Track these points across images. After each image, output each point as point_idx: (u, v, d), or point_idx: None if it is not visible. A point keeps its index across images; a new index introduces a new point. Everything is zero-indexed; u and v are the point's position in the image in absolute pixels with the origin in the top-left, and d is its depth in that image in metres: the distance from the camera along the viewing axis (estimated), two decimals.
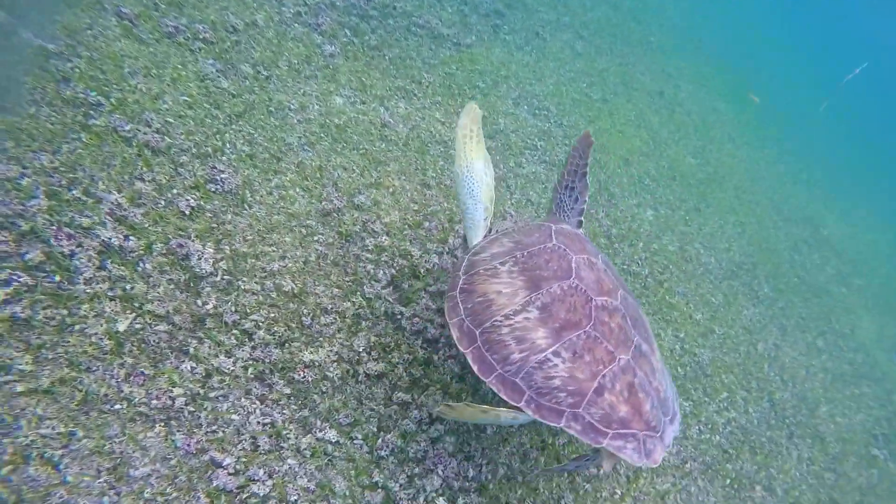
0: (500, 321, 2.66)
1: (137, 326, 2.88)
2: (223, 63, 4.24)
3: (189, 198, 3.40)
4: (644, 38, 9.75)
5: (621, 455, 2.48)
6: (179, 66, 3.99)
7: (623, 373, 2.61)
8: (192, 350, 2.92)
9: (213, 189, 3.55)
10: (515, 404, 2.51)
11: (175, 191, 3.40)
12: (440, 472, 3.17)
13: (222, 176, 3.62)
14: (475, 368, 2.62)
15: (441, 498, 3.08)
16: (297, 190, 3.91)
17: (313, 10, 5.16)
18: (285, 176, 3.93)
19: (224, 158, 3.75)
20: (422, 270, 3.95)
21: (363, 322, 3.53)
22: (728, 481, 4.48)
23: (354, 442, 3.09)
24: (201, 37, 4.23)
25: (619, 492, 3.80)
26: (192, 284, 3.14)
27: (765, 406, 5.42)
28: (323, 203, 3.93)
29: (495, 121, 5.72)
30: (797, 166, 10.58)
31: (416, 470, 3.13)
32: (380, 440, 3.14)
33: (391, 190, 4.35)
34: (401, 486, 3.03)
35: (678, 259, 6.13)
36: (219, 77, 4.13)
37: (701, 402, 4.84)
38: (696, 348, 5.27)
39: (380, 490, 2.97)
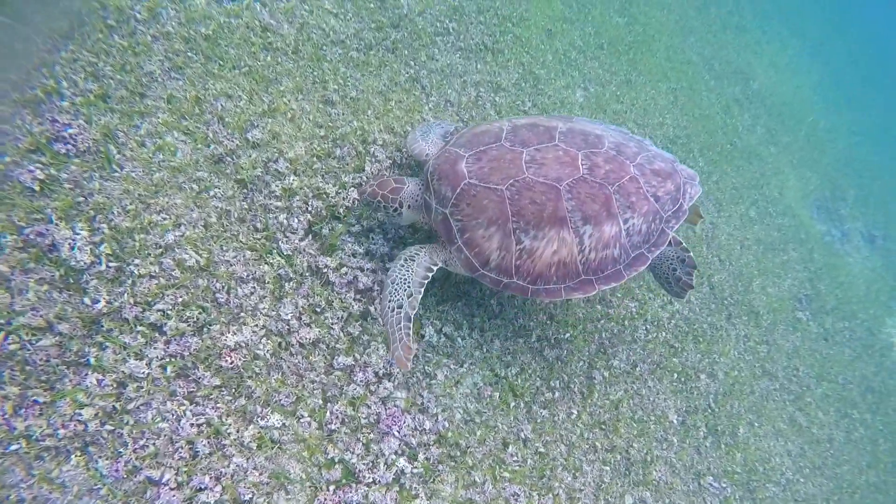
0: (583, 257, 3.51)
1: (12, 347, 2.78)
2: None
3: (32, 168, 3.11)
4: None
5: (695, 198, 3.80)
6: None
7: (642, 174, 3.67)
8: (92, 360, 2.89)
9: (63, 150, 3.26)
10: (645, 265, 3.65)
11: (7, 159, 3.09)
12: (396, 433, 3.50)
13: (70, 130, 3.31)
14: (613, 286, 3.65)
15: (401, 458, 3.44)
16: (176, 134, 3.68)
17: None
18: (155, 118, 3.65)
19: (65, 105, 3.39)
20: (341, 210, 3.98)
21: (286, 284, 3.60)
22: (675, 375, 5.27)
23: (301, 421, 3.30)
24: None
25: (575, 411, 4.39)
26: (71, 281, 3.00)
27: (705, 291, 6.24)
28: (211, 147, 3.74)
29: (397, 2, 5.44)
30: (727, 7, 11.06)
31: (371, 436, 3.42)
32: (328, 413, 3.37)
33: (289, 115, 4.18)
34: (358, 456, 3.33)
35: None
36: None
37: (646, 300, 5.49)
38: None
39: (337, 465, 3.26)
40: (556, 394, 4.38)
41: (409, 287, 3.46)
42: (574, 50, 6.90)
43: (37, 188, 3.08)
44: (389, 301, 3.41)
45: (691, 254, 3.99)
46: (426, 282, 3.53)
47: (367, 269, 3.87)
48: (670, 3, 9.42)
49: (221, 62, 4.09)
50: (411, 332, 3.33)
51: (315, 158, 4.09)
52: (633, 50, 7.83)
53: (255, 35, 4.36)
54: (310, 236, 3.83)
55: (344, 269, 3.79)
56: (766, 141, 9.34)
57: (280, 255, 3.63)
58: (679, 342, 5.57)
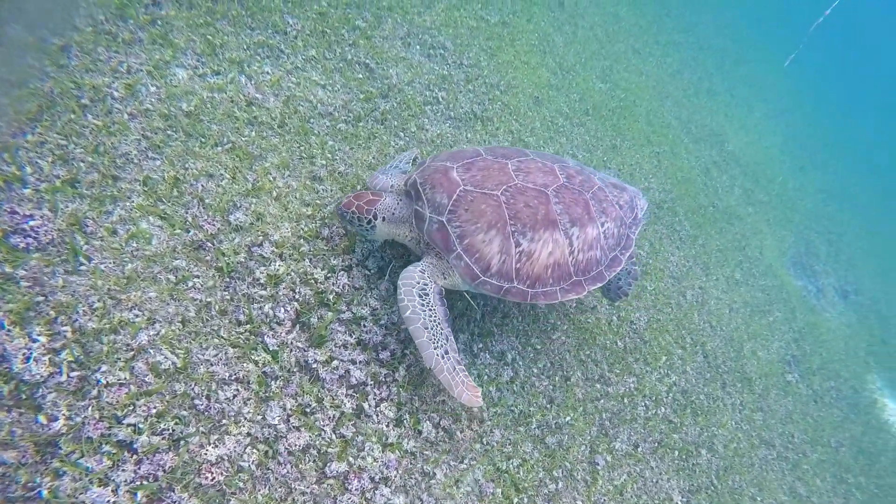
0: (573, 259, 3.63)
1: None
2: None
3: None
4: None
5: (645, 210, 4.25)
6: None
7: (605, 186, 4.04)
8: (45, 493, 2.42)
9: (22, 245, 2.85)
10: (619, 267, 3.90)
11: None
12: None
13: (32, 222, 2.91)
14: (598, 286, 3.81)
15: None
16: (151, 220, 3.30)
17: None
18: (129, 202, 3.27)
19: (27, 193, 2.99)
20: (331, 296, 3.62)
21: (273, 384, 3.19)
22: (676, 453, 4.93)
23: None
24: None
25: (579, 502, 4.00)
26: (23, 397, 2.56)
27: (699, 360, 5.97)
28: (191, 232, 3.37)
29: (385, 72, 5.21)
30: (698, 73, 11.24)
31: None
32: None
33: (275, 194, 3.84)
34: None
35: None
36: None
37: (643, 374, 5.18)
38: (631, 314, 5.56)
39: None
40: (560, 484, 4.01)
41: (441, 328, 3.33)
42: (561, 116, 6.77)
43: None
44: (434, 348, 3.27)
45: (638, 268, 4.37)
46: (448, 316, 3.42)
47: (360, 361, 3.49)
48: (647, 70, 9.48)
49: (203, 139, 3.76)
50: (466, 372, 3.34)
51: (302, 240, 3.75)
52: (616, 115, 7.76)
53: (239, 109, 4.05)
54: (297, 327, 3.44)
55: (335, 363, 3.41)
56: (743, 201, 9.31)
57: (266, 351, 3.24)
58: (678, 417, 5.26)
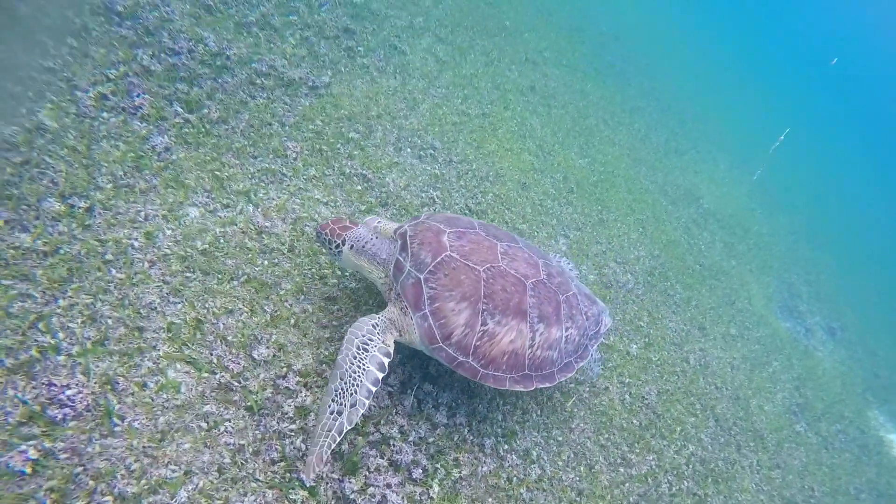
0: (531, 353, 3.63)
1: None
2: (12, 208, 3.34)
3: (24, 447, 2.65)
4: (500, 23, 9.90)
5: (607, 329, 4.42)
6: None
7: (579, 294, 4.16)
8: None
9: (59, 416, 2.82)
10: (572, 374, 3.96)
11: None
12: None
13: (68, 392, 2.89)
14: (546, 385, 3.76)
15: None
16: (178, 367, 3.29)
17: (122, 88, 4.30)
18: (156, 352, 3.27)
19: (62, 360, 2.98)
20: (358, 419, 3.58)
21: None
22: None
23: None
24: None
25: None
26: None
27: (711, 425, 5.97)
28: (217, 374, 3.36)
29: (382, 180, 5.36)
30: (664, 135, 11.70)
31: None
32: None
33: (293, 321, 3.87)
34: None
35: (601, 288, 6.42)
36: (13, 232, 3.26)
37: (662, 450, 5.16)
38: (641, 388, 5.59)
39: None
40: None
41: (354, 388, 3.19)
42: (548, 198, 6.97)
43: (28, 470, 2.60)
44: (332, 401, 3.15)
45: (602, 357, 4.55)
46: (378, 382, 3.27)
47: (394, 483, 3.44)
48: (618, 139, 9.86)
49: (220, 275, 3.80)
50: (333, 446, 3.09)
51: (324, 365, 3.75)
52: (598, 188, 8.01)
53: (250, 240, 4.12)
54: (330, 457, 3.40)
55: (371, 490, 3.35)
56: (726, 255, 9.54)
57: (303, 488, 3.18)
58: (701, 488, 5.21)
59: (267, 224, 4.29)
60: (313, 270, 4.26)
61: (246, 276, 3.90)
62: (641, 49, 15.15)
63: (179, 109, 4.47)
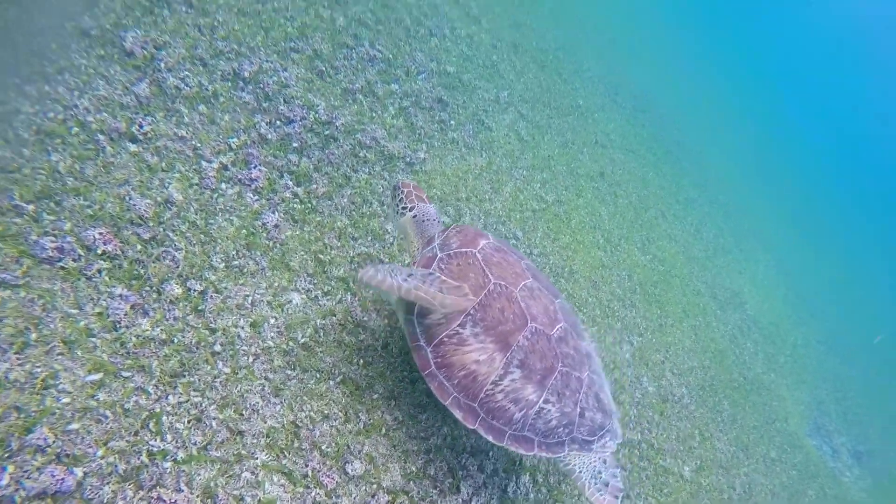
0: (492, 389, 3.20)
1: None
2: (138, 289, 3.22)
3: None
4: (573, 101, 9.90)
5: (604, 450, 3.51)
6: (71, 319, 2.93)
7: (591, 388, 3.48)
8: None
9: None
10: (529, 453, 3.30)
11: None
12: None
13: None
14: (490, 438, 3.23)
15: None
16: (275, 479, 3.12)
17: (241, 158, 4.22)
18: (255, 461, 3.10)
19: (168, 466, 2.82)
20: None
21: None
22: None
23: None
24: (100, 250, 3.16)
25: None
26: None
27: None
28: (312, 492, 3.18)
29: None
30: (713, 230, 11.61)
31: None
32: None
33: (384, 430, 3.70)
34: None
35: (658, 402, 6.24)
36: (136, 318, 3.13)
37: None
38: None
39: None
40: None
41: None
42: (615, 299, 6.84)
43: None
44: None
45: (619, 480, 3.59)
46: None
47: None
48: (675, 234, 9.77)
49: (318, 374, 3.65)
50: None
51: (411, 481, 3.58)
52: (658, 289, 7.88)
53: (347, 334, 3.98)
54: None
55: None
56: (767, 368, 9.35)
57: None
58: None
59: (364, 318, 4.15)
60: (405, 374, 4.10)
61: (342, 377, 3.75)
62: (694, 134, 15.18)
63: (290, 183, 4.39)
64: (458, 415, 3.23)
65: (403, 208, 3.75)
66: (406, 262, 4.43)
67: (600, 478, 3.56)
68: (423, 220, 3.76)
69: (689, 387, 6.94)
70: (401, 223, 3.81)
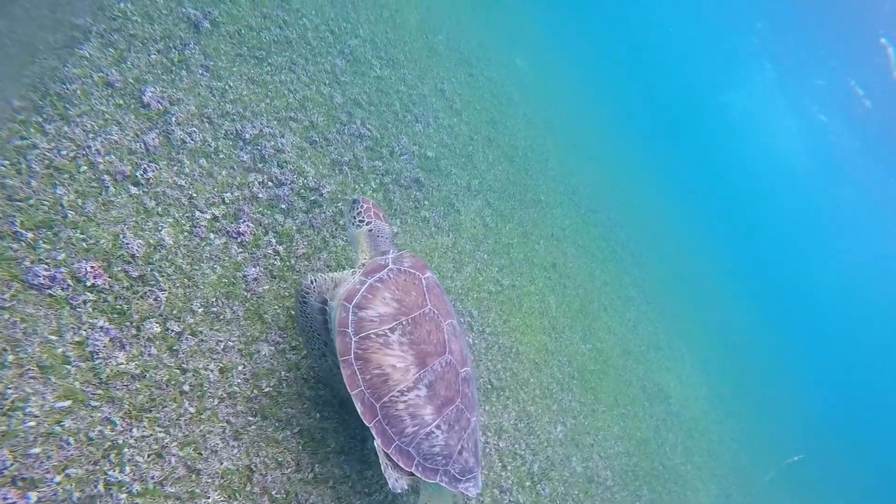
0: (397, 397, 3.28)
1: None
2: (119, 324, 3.27)
3: None
4: (535, 196, 10.49)
5: (467, 492, 3.51)
6: (50, 345, 2.95)
7: (473, 433, 3.61)
8: None
9: None
10: (407, 469, 3.30)
11: None
12: None
13: None
14: (378, 440, 3.27)
15: None
16: None
17: (233, 212, 4.38)
18: (206, 500, 3.10)
19: (123, 498, 2.79)
20: None
21: None
22: None
23: None
24: (90, 283, 3.23)
25: None
26: None
27: None
28: None
29: None
30: (649, 327, 12.15)
31: None
32: None
33: (331, 482, 3.74)
34: None
35: (584, 482, 6.38)
36: (114, 351, 3.16)
37: None
38: None
39: None
40: None
41: (318, 335, 3.70)
42: (554, 382, 7.07)
43: None
44: (311, 349, 3.80)
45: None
46: (325, 323, 3.62)
47: None
48: (614, 327, 10.21)
49: (277, 423, 3.69)
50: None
51: None
52: (595, 378, 8.18)
53: (308, 388, 4.05)
54: None
55: None
56: (685, 460, 9.63)
57: None
58: None
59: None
60: (356, 431, 4.16)
61: (299, 428, 3.80)
62: (639, 237, 16.07)
63: (273, 241, 4.54)
64: (359, 408, 3.28)
65: (360, 221, 3.85)
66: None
67: None
68: (378, 236, 3.88)
69: (613, 470, 7.10)
70: (355, 234, 3.90)
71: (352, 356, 3.30)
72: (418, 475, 3.33)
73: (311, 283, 3.59)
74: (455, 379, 3.49)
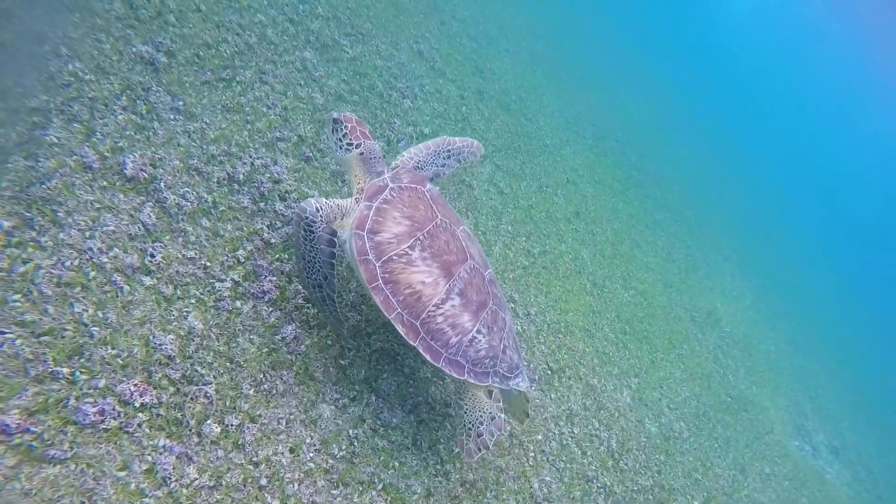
0: (433, 311, 3.46)
1: None
2: (179, 436, 3.20)
3: None
4: (541, 142, 10.19)
5: (518, 388, 3.83)
6: (122, 483, 2.90)
7: (511, 331, 3.87)
8: None
9: None
10: (459, 377, 3.58)
11: None
12: None
13: None
14: (428, 357, 3.49)
15: None
16: None
17: (251, 271, 4.23)
18: None
19: None
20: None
21: None
22: None
23: None
24: (138, 403, 3.14)
25: None
26: None
27: None
28: None
29: None
30: (682, 250, 12.09)
31: None
32: None
33: None
34: None
35: (662, 442, 6.49)
36: (183, 468, 3.11)
37: None
38: None
39: None
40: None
41: (320, 267, 3.68)
42: (609, 345, 7.08)
43: None
44: (307, 276, 3.74)
45: (503, 416, 3.96)
46: (334, 255, 3.68)
47: None
48: (650, 262, 10.15)
49: (360, 485, 3.70)
50: (337, 309, 3.87)
51: None
52: (644, 324, 8.19)
53: (380, 438, 4.04)
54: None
55: None
56: (749, 382, 9.80)
57: None
58: None
59: (391, 417, 4.21)
60: (437, 467, 4.18)
61: (382, 484, 3.81)
62: (651, 154, 15.77)
63: (300, 287, 4.41)
64: (401, 330, 3.44)
65: (349, 144, 3.78)
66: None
67: (480, 428, 3.84)
68: (370, 158, 3.83)
69: (685, 420, 7.23)
70: (345, 159, 3.85)
71: (380, 281, 3.42)
72: (471, 381, 3.62)
73: (317, 210, 3.54)
74: (482, 282, 3.70)
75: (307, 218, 3.53)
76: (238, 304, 4.01)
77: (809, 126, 52.86)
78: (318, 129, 5.94)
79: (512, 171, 8.56)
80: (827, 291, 23.22)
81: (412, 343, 3.46)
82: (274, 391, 3.76)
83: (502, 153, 8.73)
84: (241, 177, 4.76)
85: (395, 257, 3.43)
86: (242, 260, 4.26)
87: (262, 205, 4.78)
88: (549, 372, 5.87)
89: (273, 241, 4.58)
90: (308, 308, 4.37)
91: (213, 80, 5.35)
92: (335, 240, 3.66)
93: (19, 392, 2.80)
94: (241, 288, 4.11)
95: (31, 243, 3.32)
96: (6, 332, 2.93)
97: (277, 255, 4.52)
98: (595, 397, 6.13)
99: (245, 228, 4.50)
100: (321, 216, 3.55)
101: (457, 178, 7.28)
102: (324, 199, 3.61)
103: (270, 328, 4.06)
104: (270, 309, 4.16)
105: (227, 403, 3.50)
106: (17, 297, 3.08)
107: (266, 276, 4.26)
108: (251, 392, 3.65)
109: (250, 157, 5.00)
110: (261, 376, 3.76)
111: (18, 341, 2.94)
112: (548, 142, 10.43)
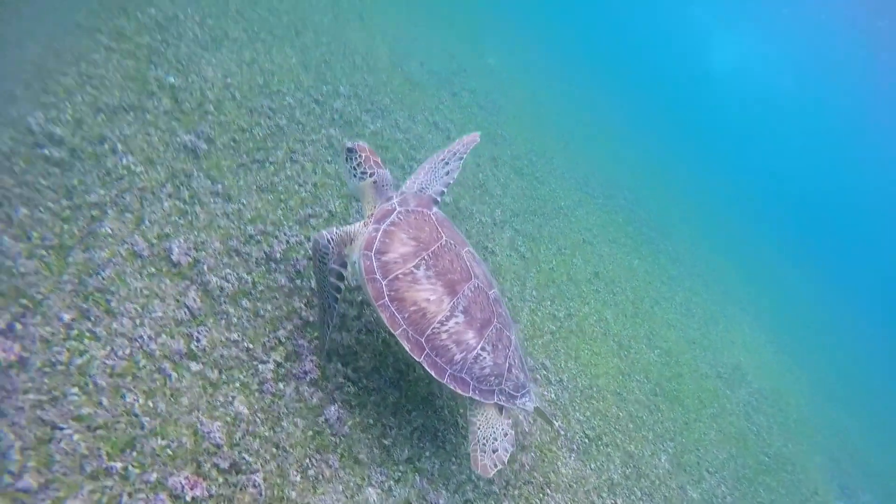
0: (438, 328, 3.57)
1: None
2: None
3: None
4: (555, 204, 10.34)
5: (524, 407, 3.92)
6: None
7: (517, 350, 3.95)
8: None
9: None
10: (464, 394, 3.65)
11: None
12: None
13: None
14: (433, 373, 3.58)
15: None
16: None
17: (293, 351, 4.22)
18: None
19: None
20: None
21: None
22: None
23: None
24: (189, 497, 3.07)
25: None
26: None
27: None
28: None
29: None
30: (700, 305, 11.98)
31: None
32: None
33: None
34: None
35: None
36: None
37: None
38: None
39: None
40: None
41: (328, 296, 3.86)
42: (641, 407, 6.95)
43: None
44: (320, 299, 3.96)
45: (506, 455, 3.86)
46: (340, 289, 3.81)
47: None
48: (671, 320, 10.07)
49: None
50: (330, 332, 4.06)
51: None
52: (674, 386, 8.04)
53: None
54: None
55: None
56: (784, 440, 9.49)
57: None
58: None
59: (435, 497, 4.08)
60: None
61: None
62: (659, 209, 15.92)
63: (339, 365, 4.39)
64: (406, 346, 3.56)
65: (363, 173, 3.96)
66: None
67: (494, 444, 3.83)
68: (382, 186, 4.02)
69: (726, 484, 6.97)
70: (359, 186, 4.04)
71: (386, 299, 3.56)
72: (476, 398, 3.70)
73: (329, 242, 3.73)
74: (486, 301, 3.79)
75: (321, 250, 3.76)
76: (281, 385, 3.99)
77: (806, 170, 53.67)
78: (347, 204, 6.07)
79: (531, 234, 8.65)
80: (848, 336, 22.83)
81: (417, 359, 3.57)
82: (320, 476, 3.67)
83: (520, 217, 8.85)
84: (278, 255, 4.83)
85: (400, 276, 3.58)
86: (283, 340, 4.26)
87: (298, 282, 4.82)
88: (587, 440, 5.72)
89: (311, 319, 4.59)
90: (349, 386, 4.34)
91: (248, 162, 5.52)
92: (344, 273, 3.83)
93: (77, 492, 2.75)
94: (282, 369, 4.09)
95: (88, 334, 3.35)
96: (65, 428, 2.90)
97: (316, 334, 4.52)
98: (634, 465, 5.95)
99: (284, 307, 4.52)
100: (333, 245, 3.75)
101: (479, 244, 7.35)
102: (334, 228, 3.82)
103: (313, 410, 4.01)
104: (312, 389, 4.12)
105: (275, 493, 3.42)
106: (74, 390, 3.08)
107: (307, 356, 4.25)
108: (298, 479, 3.57)
109: (285, 234, 5.09)
110: (307, 461, 3.69)
111: (76, 437, 2.91)
112: (562, 203, 10.58)
